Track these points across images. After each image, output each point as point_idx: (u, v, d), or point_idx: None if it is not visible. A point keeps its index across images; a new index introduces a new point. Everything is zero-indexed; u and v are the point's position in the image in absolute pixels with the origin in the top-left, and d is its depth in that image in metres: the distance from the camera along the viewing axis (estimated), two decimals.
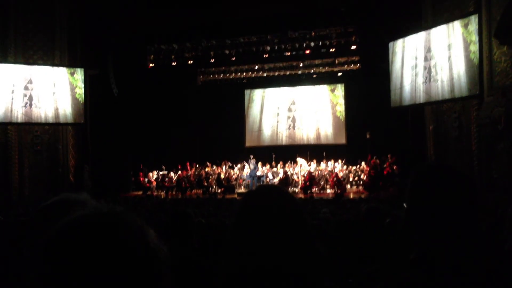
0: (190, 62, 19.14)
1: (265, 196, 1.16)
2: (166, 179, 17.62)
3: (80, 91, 14.73)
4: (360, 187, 16.39)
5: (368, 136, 16.33)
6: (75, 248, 0.72)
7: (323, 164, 17.28)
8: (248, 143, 20.98)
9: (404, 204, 1.29)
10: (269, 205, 1.11)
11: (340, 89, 20.04)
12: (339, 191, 14.82)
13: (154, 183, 17.77)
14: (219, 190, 16.96)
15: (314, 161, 17.52)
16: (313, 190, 15.81)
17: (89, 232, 0.74)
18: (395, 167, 15.08)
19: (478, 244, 1.24)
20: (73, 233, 0.75)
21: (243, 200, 1.18)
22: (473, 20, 10.54)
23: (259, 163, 17.55)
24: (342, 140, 19.73)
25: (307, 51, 17.96)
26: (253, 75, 21.04)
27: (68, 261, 0.71)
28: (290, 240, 1.07)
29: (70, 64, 15.07)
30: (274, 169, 17.80)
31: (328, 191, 16.23)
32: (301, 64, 19.89)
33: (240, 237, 1.10)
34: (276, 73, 20.62)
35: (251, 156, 17.61)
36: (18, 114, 13.97)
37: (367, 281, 2.05)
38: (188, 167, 18.03)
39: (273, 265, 1.05)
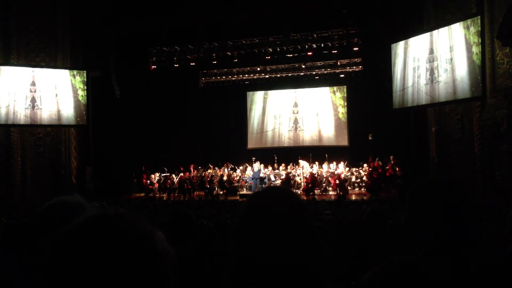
0: (192, 64, 19.14)
1: (271, 197, 1.16)
2: (168, 181, 17.61)
3: (82, 93, 14.78)
4: (363, 189, 16.36)
5: (370, 137, 16.27)
6: (82, 250, 0.72)
7: (325, 166, 17.25)
8: (250, 145, 20.99)
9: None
10: (276, 206, 1.11)
11: (342, 91, 20.05)
12: (341, 193, 14.78)
13: (156, 185, 17.75)
14: (221, 192, 16.95)
15: (316, 163, 17.49)
16: (315, 191, 15.78)
17: (96, 234, 0.74)
18: (397, 168, 15.05)
19: (475, 246, 1.30)
20: (80, 235, 0.75)
21: (249, 200, 1.18)
22: (475, 22, 10.52)
23: (261, 165, 17.53)
24: (344, 142, 19.71)
25: (309, 53, 17.93)
26: (255, 77, 21.04)
27: (75, 263, 0.71)
28: (296, 241, 1.07)
29: (72, 66, 15.11)
30: (276, 171, 17.78)
31: (330, 192, 16.20)
32: (303, 66, 19.88)
33: (245, 237, 1.10)
34: (278, 75, 20.63)
35: (254, 158, 17.60)
36: (21, 116, 14.01)
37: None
38: (191, 169, 18.03)
39: (278, 265, 1.05)
